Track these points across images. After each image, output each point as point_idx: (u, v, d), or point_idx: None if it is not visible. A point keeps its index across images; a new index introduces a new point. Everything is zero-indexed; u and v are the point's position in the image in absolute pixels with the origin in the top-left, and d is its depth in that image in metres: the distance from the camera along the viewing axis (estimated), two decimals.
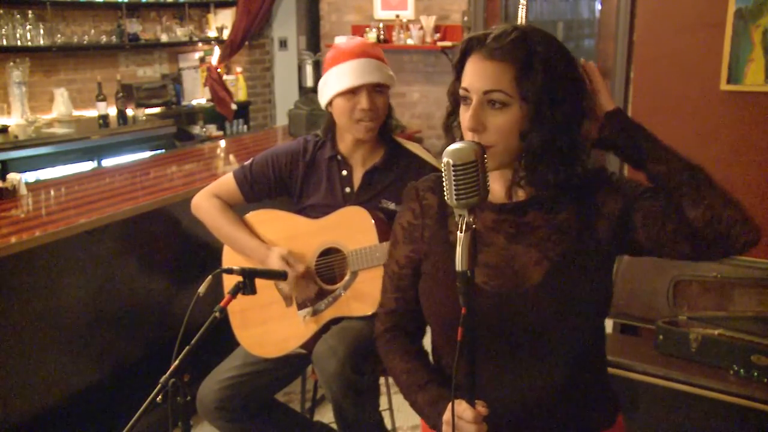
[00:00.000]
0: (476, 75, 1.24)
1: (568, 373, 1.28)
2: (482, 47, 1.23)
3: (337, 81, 2.05)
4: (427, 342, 1.49)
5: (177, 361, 1.52)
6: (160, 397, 1.49)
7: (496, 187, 1.32)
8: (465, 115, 1.26)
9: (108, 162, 4.50)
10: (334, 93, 2.05)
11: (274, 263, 2.06)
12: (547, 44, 1.23)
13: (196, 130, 5.69)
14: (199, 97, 5.89)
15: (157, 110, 5.39)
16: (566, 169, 1.25)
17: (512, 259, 1.29)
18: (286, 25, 6.15)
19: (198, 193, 2.25)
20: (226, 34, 5.85)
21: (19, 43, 4.59)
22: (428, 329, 1.46)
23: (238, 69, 6.14)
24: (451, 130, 1.37)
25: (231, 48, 5.73)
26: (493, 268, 1.30)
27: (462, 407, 1.19)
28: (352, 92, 2.03)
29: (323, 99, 2.12)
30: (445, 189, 1.13)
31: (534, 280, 1.26)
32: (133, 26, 5.31)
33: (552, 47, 1.24)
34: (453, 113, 1.35)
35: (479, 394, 1.19)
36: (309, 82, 5.98)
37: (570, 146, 1.24)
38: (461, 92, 1.27)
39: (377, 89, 2.05)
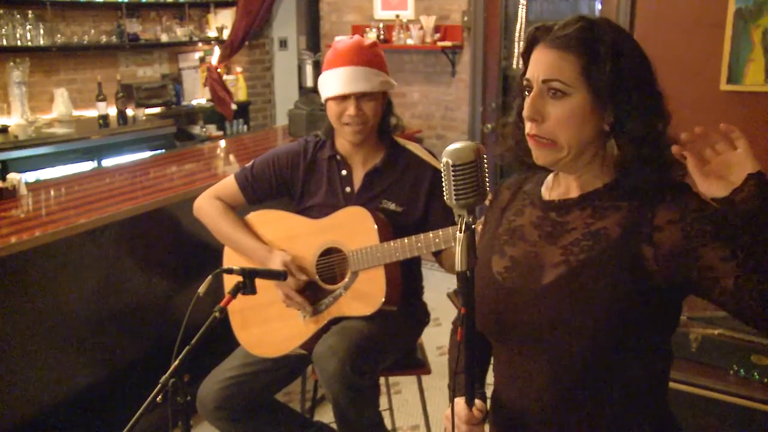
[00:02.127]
0: (538, 63, 1.21)
1: (576, 382, 1.22)
2: (548, 36, 1.22)
3: (327, 85, 2.08)
4: None
5: (177, 361, 1.52)
6: (160, 397, 1.49)
7: (555, 185, 1.31)
8: (525, 106, 1.23)
9: (108, 162, 4.50)
10: (326, 96, 2.10)
11: (276, 267, 2.06)
12: (617, 34, 1.20)
13: (196, 130, 5.69)
14: (199, 97, 5.89)
15: (157, 110, 5.39)
16: (659, 166, 1.19)
17: (536, 257, 1.27)
18: (286, 25, 6.15)
19: (200, 195, 2.26)
20: (226, 34, 5.84)
21: (19, 43, 4.59)
22: None
23: (238, 69, 6.14)
24: (520, 127, 1.29)
25: (231, 48, 5.73)
26: (515, 263, 1.29)
27: (459, 407, 1.19)
28: (342, 98, 2.06)
29: (322, 98, 2.15)
30: (444, 189, 1.13)
31: (547, 280, 1.23)
32: (133, 26, 5.30)
33: (620, 37, 1.20)
34: (520, 111, 1.28)
35: (498, 391, 1.19)
36: (309, 82, 5.98)
37: (655, 141, 1.19)
38: (524, 82, 1.24)
39: (365, 97, 2.06)
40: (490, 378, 1.39)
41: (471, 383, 1.21)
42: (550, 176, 1.35)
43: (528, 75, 1.23)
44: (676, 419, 1.32)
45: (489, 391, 1.37)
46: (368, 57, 2.07)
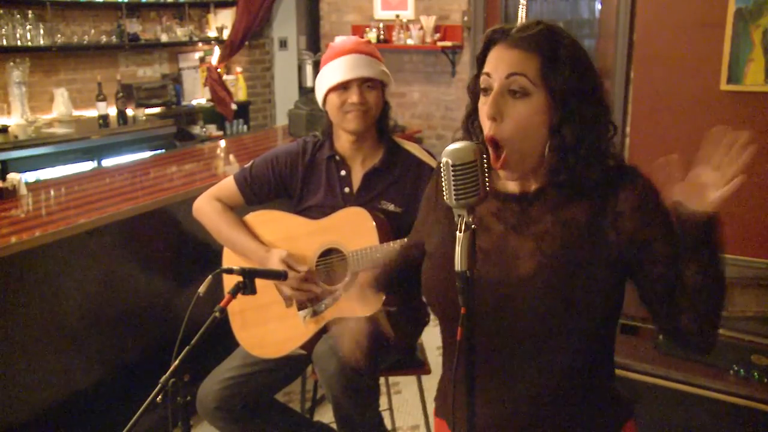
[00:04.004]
0: (500, 61, 1.22)
1: (565, 372, 1.26)
2: (507, 38, 1.23)
3: (329, 76, 2.08)
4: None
5: (177, 361, 1.52)
6: (160, 397, 1.49)
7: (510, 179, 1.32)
8: (484, 106, 1.23)
9: (108, 162, 4.50)
10: (326, 88, 2.09)
11: (275, 266, 2.06)
12: (572, 40, 1.24)
13: (196, 130, 5.69)
14: (199, 97, 5.89)
15: (157, 110, 5.39)
16: (597, 164, 1.23)
17: (506, 247, 1.27)
18: (286, 25, 6.15)
19: (199, 196, 2.26)
20: (226, 34, 5.85)
21: (19, 43, 4.59)
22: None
23: (238, 69, 6.14)
24: (470, 130, 1.33)
25: (231, 48, 5.73)
26: (485, 254, 1.28)
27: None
28: (344, 87, 2.07)
29: (319, 97, 2.15)
30: (444, 189, 1.13)
31: (525, 270, 1.23)
32: (133, 26, 5.31)
33: (576, 44, 1.25)
34: (473, 112, 1.32)
35: (478, 392, 1.19)
36: (309, 82, 5.99)
37: (598, 142, 1.23)
38: (482, 80, 1.25)
39: (368, 85, 2.08)
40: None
41: (471, 385, 1.19)
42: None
43: (488, 70, 1.24)
44: (622, 398, 1.38)
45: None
46: (367, 49, 2.13)
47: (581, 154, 1.22)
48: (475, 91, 1.29)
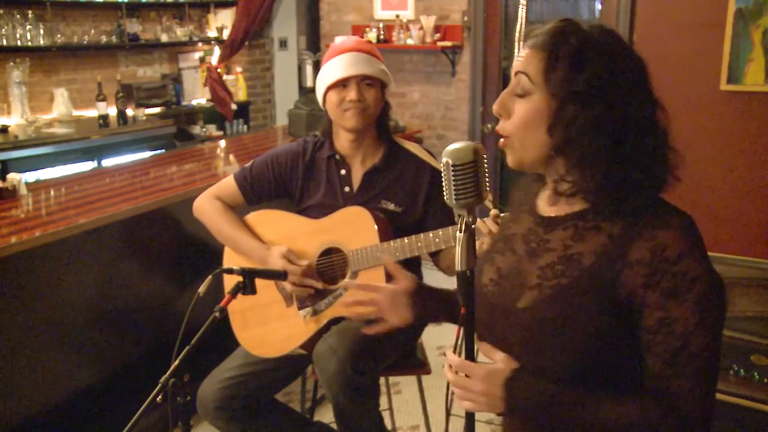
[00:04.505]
0: (517, 60, 1.21)
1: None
2: (531, 35, 1.21)
3: (328, 74, 2.09)
4: None
5: (177, 361, 1.52)
6: (160, 397, 1.49)
7: (544, 196, 1.28)
8: None
9: (108, 162, 4.50)
10: (326, 87, 2.10)
11: (275, 262, 2.06)
12: (581, 38, 1.14)
13: (196, 130, 5.68)
14: (199, 97, 5.89)
15: (157, 110, 5.39)
16: (608, 182, 1.11)
17: (519, 275, 1.25)
18: (286, 25, 6.14)
19: (200, 195, 2.26)
20: (226, 34, 5.84)
21: (19, 43, 4.58)
22: None
23: (238, 69, 6.14)
24: None
25: (231, 48, 5.73)
26: (502, 276, 1.28)
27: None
28: (343, 85, 2.07)
29: (319, 96, 2.16)
30: (444, 189, 1.13)
31: (523, 304, 1.21)
32: (133, 26, 5.30)
33: (587, 43, 1.13)
34: None
35: None
36: (309, 82, 5.98)
37: (611, 160, 1.11)
38: None
39: (367, 83, 2.08)
40: None
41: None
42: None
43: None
44: None
45: None
46: (367, 48, 2.14)
47: (586, 168, 1.12)
48: None
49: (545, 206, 1.28)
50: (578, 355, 1.14)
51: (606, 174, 1.12)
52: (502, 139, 1.21)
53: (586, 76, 1.11)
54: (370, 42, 2.21)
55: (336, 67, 2.08)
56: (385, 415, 2.40)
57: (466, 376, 1.17)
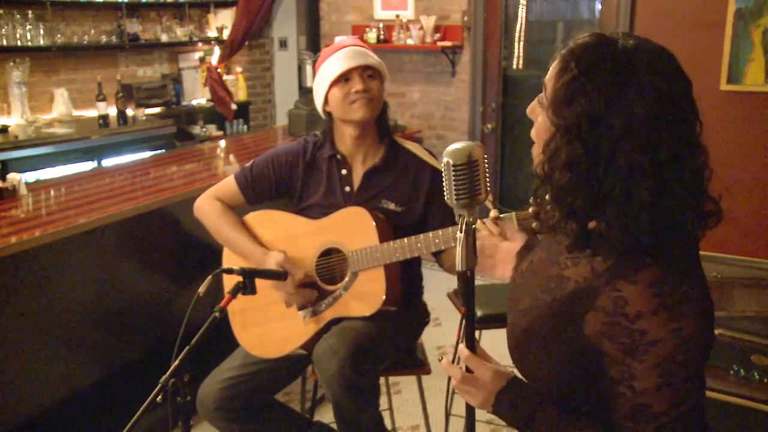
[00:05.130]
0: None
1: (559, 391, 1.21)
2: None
3: (328, 73, 2.09)
4: None
5: (177, 361, 1.52)
6: (160, 397, 1.49)
7: None
8: None
9: (108, 162, 4.50)
10: (328, 85, 2.09)
11: (272, 268, 2.06)
12: (587, 64, 1.02)
13: (196, 130, 5.69)
14: (199, 97, 5.89)
15: (157, 110, 5.39)
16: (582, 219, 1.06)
17: (529, 280, 1.26)
18: (286, 25, 6.14)
19: (200, 196, 2.26)
20: (226, 34, 5.84)
21: (19, 43, 4.58)
22: None
23: (238, 69, 6.13)
24: None
25: (231, 48, 5.73)
26: (519, 275, 1.32)
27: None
28: (346, 79, 2.07)
29: (319, 100, 2.15)
30: (444, 189, 1.13)
31: (522, 306, 1.23)
32: (133, 26, 5.30)
33: (591, 70, 1.02)
34: None
35: None
36: (309, 82, 5.98)
37: (601, 185, 1.02)
38: None
39: (369, 73, 2.09)
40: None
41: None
42: None
43: None
44: None
45: None
46: (362, 44, 2.18)
47: (559, 195, 1.06)
48: None
49: None
50: (555, 370, 1.15)
51: (562, 204, 1.08)
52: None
53: (579, 107, 1.02)
54: (364, 42, 2.25)
55: (336, 63, 2.08)
56: (385, 415, 2.40)
57: (471, 371, 1.19)
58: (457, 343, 1.20)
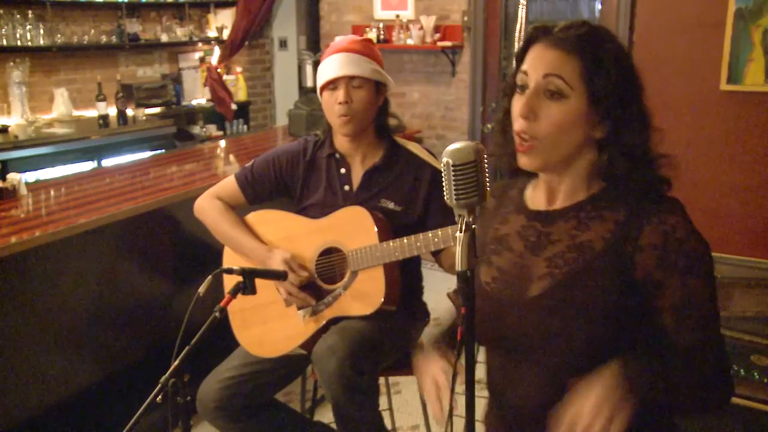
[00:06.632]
0: (538, 60, 1.20)
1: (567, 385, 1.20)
2: (548, 36, 1.20)
3: (320, 76, 2.10)
4: None
5: (177, 361, 1.52)
6: (160, 397, 1.49)
7: (539, 193, 1.30)
8: (518, 103, 1.21)
9: (108, 162, 4.50)
10: (320, 86, 2.11)
11: (276, 266, 2.06)
12: (616, 44, 1.21)
13: (196, 130, 5.69)
14: (199, 97, 5.89)
15: (157, 110, 5.39)
16: (642, 170, 1.20)
17: (522, 269, 1.27)
18: (286, 25, 6.14)
19: (201, 195, 2.26)
20: (226, 34, 5.84)
21: (19, 43, 4.59)
22: None
23: (238, 69, 6.14)
24: (506, 129, 1.28)
25: (231, 48, 5.73)
26: (502, 273, 1.29)
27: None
28: (333, 86, 2.07)
29: (319, 96, 2.16)
30: (444, 189, 1.13)
31: (533, 293, 1.23)
32: (133, 26, 5.30)
33: (620, 48, 1.21)
34: (508, 112, 1.28)
35: (493, 393, 1.19)
36: (309, 82, 5.97)
37: (646, 154, 1.20)
38: (519, 77, 1.22)
39: (354, 84, 2.06)
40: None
41: (472, 381, 1.20)
42: (532, 182, 1.34)
43: (525, 68, 1.21)
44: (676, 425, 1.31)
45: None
46: (361, 47, 2.10)
47: (643, 155, 1.20)
48: (511, 88, 1.26)
49: (538, 202, 1.30)
50: (593, 337, 1.17)
51: (634, 166, 1.19)
52: (525, 143, 1.20)
53: (626, 78, 1.19)
54: (367, 40, 2.16)
55: (327, 68, 2.08)
56: (385, 415, 2.39)
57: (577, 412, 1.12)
58: (459, 345, 1.17)
